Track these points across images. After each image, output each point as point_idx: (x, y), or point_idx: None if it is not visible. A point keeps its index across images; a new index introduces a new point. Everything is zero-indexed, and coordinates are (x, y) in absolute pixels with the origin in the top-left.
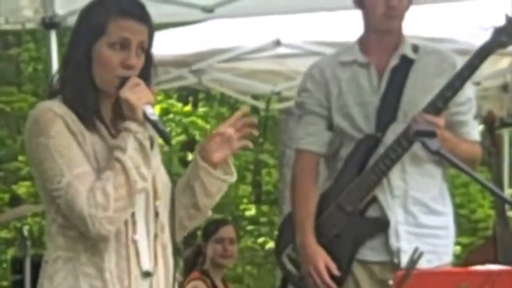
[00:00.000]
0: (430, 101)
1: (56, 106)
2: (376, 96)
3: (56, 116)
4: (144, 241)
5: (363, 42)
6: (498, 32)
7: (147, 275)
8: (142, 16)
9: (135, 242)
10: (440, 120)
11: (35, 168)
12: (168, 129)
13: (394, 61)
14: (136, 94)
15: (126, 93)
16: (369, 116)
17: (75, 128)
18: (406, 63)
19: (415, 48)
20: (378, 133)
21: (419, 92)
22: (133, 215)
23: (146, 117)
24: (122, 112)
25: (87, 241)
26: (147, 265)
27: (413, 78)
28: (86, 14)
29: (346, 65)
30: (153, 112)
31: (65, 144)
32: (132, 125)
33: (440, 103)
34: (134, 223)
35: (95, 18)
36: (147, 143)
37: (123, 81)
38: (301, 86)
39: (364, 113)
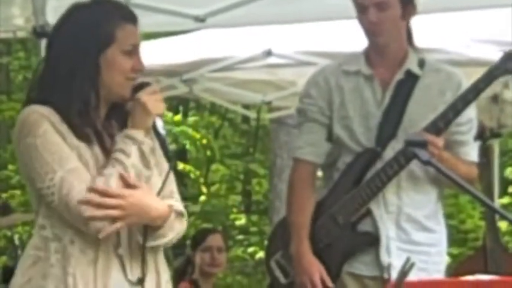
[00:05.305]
0: (432, 121)
1: (41, 108)
2: (378, 109)
3: (42, 117)
4: (127, 251)
5: (367, 53)
6: (506, 58)
7: (137, 282)
8: (137, 20)
9: (119, 256)
10: (440, 141)
11: (25, 170)
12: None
13: (398, 76)
14: (154, 102)
15: (145, 97)
16: (369, 129)
17: (61, 128)
18: (411, 79)
19: (421, 63)
20: (378, 147)
21: (421, 111)
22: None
23: (155, 129)
24: (116, 115)
25: (59, 242)
26: (130, 275)
27: (417, 95)
28: (81, 24)
29: (350, 75)
30: (163, 126)
31: (54, 142)
32: (139, 135)
33: (442, 124)
34: (117, 235)
35: (99, 27)
36: (148, 154)
37: (140, 86)
38: (305, 92)
39: (364, 126)
